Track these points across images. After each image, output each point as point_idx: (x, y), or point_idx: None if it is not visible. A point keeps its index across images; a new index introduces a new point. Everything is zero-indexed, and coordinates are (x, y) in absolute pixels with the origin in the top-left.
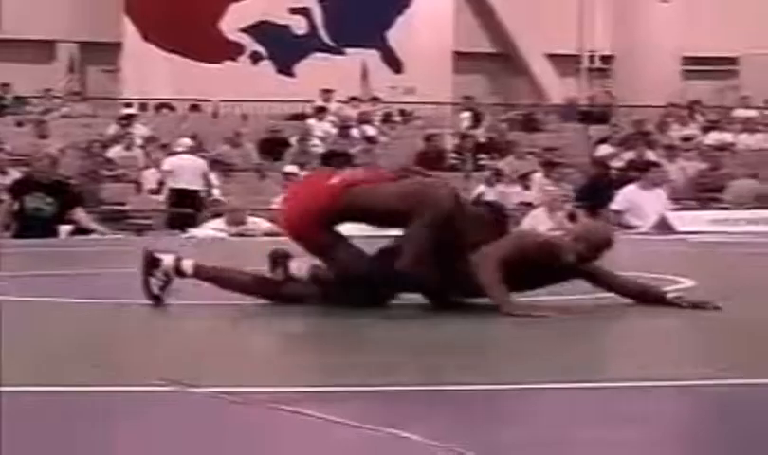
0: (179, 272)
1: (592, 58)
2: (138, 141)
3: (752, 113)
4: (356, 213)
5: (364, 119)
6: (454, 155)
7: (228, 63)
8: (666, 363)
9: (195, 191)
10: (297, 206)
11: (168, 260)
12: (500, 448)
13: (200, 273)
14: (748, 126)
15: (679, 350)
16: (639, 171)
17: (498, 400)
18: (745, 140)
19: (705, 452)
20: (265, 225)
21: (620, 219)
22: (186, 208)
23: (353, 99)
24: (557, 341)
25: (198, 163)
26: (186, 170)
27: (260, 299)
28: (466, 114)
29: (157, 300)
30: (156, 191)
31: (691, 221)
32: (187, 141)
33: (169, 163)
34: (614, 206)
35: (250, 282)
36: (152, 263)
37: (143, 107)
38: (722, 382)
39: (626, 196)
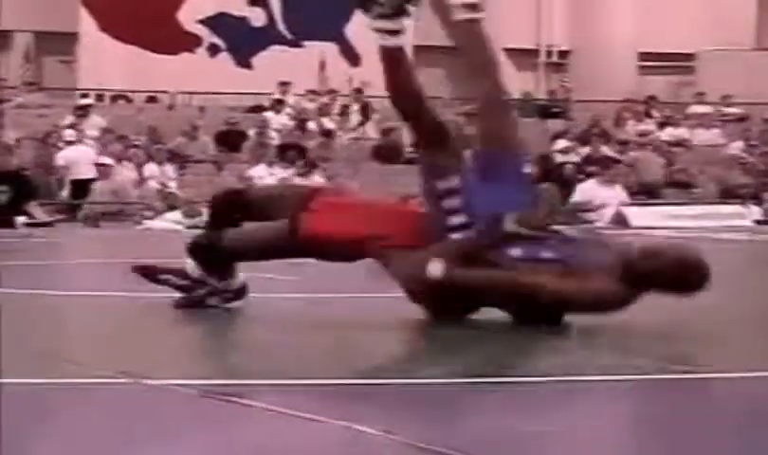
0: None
1: (549, 53)
2: (95, 133)
3: (707, 109)
4: None
5: (322, 112)
6: (411, 149)
7: (186, 54)
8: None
9: (91, 180)
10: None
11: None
12: (460, 441)
13: None
14: (704, 122)
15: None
16: (595, 165)
17: (457, 394)
18: (701, 136)
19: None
20: None
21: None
22: (82, 198)
23: (310, 91)
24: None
25: (89, 153)
26: (80, 161)
27: None
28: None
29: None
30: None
31: (647, 216)
32: (71, 132)
33: (63, 157)
34: (575, 199)
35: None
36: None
37: (99, 98)
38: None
39: (584, 192)
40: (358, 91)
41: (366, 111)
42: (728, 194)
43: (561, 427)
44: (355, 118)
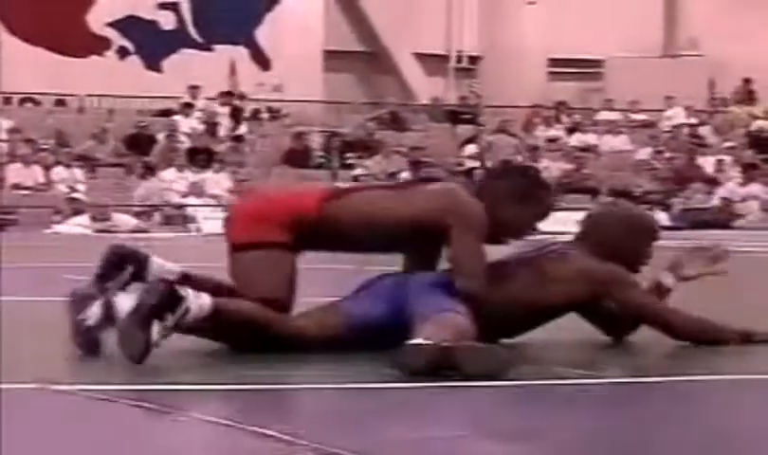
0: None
1: (459, 58)
2: (2, 135)
3: (616, 115)
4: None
5: (232, 116)
6: (321, 154)
7: (95, 57)
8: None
9: None
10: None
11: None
12: (372, 446)
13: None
14: (612, 128)
15: None
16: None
17: (381, 398)
18: (609, 142)
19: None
20: (130, 221)
21: None
22: None
23: (220, 95)
24: None
25: None
26: None
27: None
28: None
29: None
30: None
31: (554, 222)
32: None
33: None
34: None
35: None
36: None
37: (7, 101)
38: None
39: None
40: (227, 94)
41: (238, 115)
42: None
43: (461, 432)
44: (226, 121)
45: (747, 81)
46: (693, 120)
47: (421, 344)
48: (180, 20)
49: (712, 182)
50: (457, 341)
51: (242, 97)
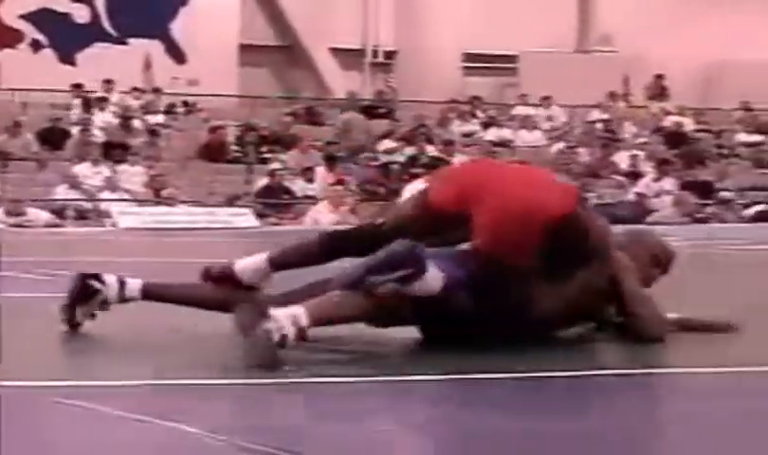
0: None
1: (375, 53)
2: None
3: (530, 110)
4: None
5: (146, 110)
6: (237, 148)
7: (8, 50)
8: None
9: None
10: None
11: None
12: (285, 441)
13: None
14: (527, 123)
15: None
16: (420, 166)
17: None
18: (524, 137)
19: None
20: (44, 215)
21: None
22: None
23: (135, 89)
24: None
25: None
26: None
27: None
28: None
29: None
30: None
31: None
32: None
33: None
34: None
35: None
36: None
37: None
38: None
39: (411, 192)
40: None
41: (88, 106)
42: None
43: (391, 428)
44: (78, 111)
45: (660, 76)
46: (606, 116)
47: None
48: (95, 13)
49: (627, 177)
50: (315, 320)
51: (157, 91)
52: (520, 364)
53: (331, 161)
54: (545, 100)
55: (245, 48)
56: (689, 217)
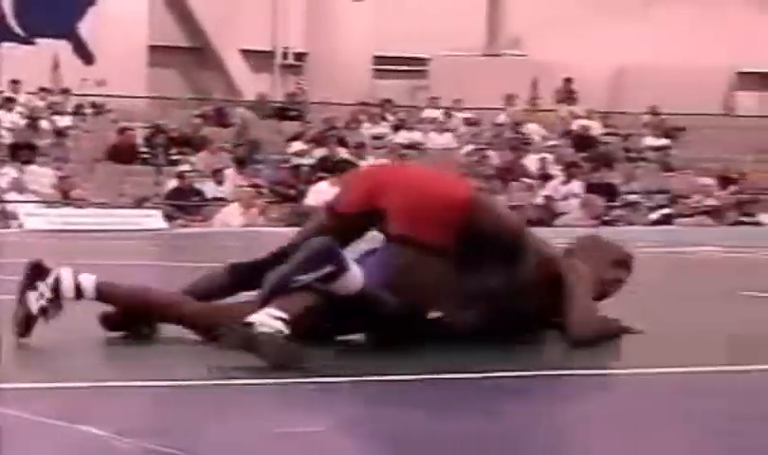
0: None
1: (285, 55)
2: None
3: (440, 113)
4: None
5: (54, 111)
6: (146, 149)
7: None
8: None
9: None
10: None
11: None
12: (189, 443)
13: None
14: (437, 126)
15: None
16: (330, 170)
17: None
18: (434, 140)
19: None
20: None
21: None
22: None
23: (42, 90)
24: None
25: None
26: None
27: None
28: None
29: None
30: None
31: None
32: None
33: None
34: (308, 202)
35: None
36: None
37: None
38: None
39: (317, 193)
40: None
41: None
42: None
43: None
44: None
45: (568, 80)
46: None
47: (238, 327)
48: (1, 13)
49: (536, 179)
50: (295, 320)
51: (65, 91)
52: (446, 364)
53: (241, 163)
54: (456, 103)
55: (154, 49)
56: (597, 220)
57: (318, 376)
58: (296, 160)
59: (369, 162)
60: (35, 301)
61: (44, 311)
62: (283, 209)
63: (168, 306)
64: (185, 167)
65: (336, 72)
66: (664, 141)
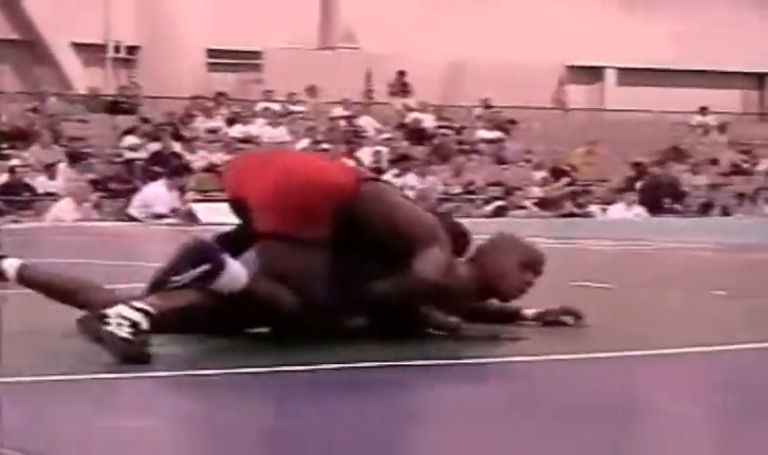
0: None
1: (117, 48)
2: None
3: (275, 106)
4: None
5: None
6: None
7: None
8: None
9: None
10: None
11: None
12: (26, 441)
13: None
14: (271, 119)
15: None
16: (163, 163)
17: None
18: (269, 133)
19: None
20: None
21: (146, 211)
22: None
23: None
24: None
25: None
26: None
27: None
28: None
29: None
30: None
31: (216, 213)
32: None
33: None
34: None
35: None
36: None
37: None
38: None
39: (151, 191)
40: None
41: None
42: None
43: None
44: None
45: (401, 73)
46: (348, 113)
47: (92, 319)
48: None
49: (370, 172)
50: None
51: None
52: (320, 356)
53: (74, 158)
54: (290, 97)
55: None
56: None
57: (170, 371)
58: (129, 155)
59: (200, 156)
60: None
61: None
62: (116, 203)
63: (77, 293)
64: (15, 161)
65: (169, 65)
66: (497, 134)
